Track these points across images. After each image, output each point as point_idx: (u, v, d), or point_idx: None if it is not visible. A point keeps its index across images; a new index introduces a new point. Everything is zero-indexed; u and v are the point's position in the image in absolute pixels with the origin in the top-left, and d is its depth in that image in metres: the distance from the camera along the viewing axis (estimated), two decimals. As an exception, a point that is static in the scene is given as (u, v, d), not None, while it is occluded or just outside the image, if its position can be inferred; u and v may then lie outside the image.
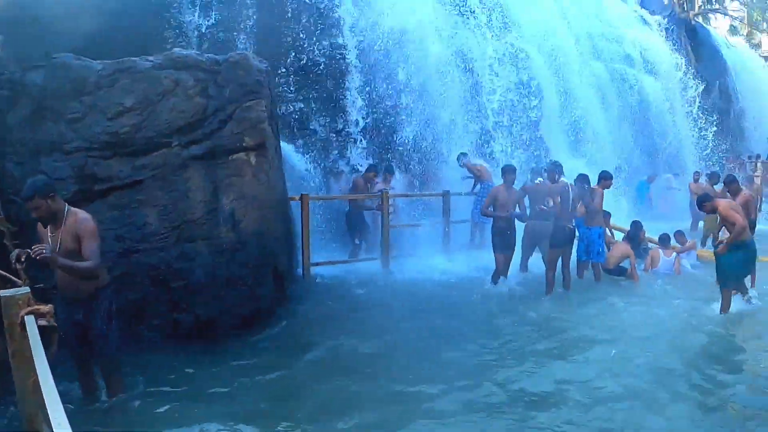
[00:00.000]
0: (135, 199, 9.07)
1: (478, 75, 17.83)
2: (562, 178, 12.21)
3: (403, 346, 8.76)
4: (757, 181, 25.58)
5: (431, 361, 8.07)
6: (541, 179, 12.99)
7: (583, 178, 12.59)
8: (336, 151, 15.43)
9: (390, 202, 14.14)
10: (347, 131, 15.52)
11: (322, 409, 6.73)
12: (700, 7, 35.36)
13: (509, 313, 10.63)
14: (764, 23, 51.83)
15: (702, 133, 27.35)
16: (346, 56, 15.59)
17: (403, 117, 15.89)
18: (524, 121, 18.51)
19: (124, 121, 9.11)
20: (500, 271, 12.15)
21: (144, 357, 7.93)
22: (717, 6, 36.92)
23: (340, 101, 15.47)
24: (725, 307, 10.45)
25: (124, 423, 6.37)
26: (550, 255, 12.04)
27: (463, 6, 18.56)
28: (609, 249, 13.63)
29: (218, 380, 7.57)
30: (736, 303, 10.60)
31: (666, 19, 30.70)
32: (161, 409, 6.68)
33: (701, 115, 27.56)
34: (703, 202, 10.90)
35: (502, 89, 18.19)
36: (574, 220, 12.21)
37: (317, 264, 12.82)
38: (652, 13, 30.90)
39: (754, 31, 51.39)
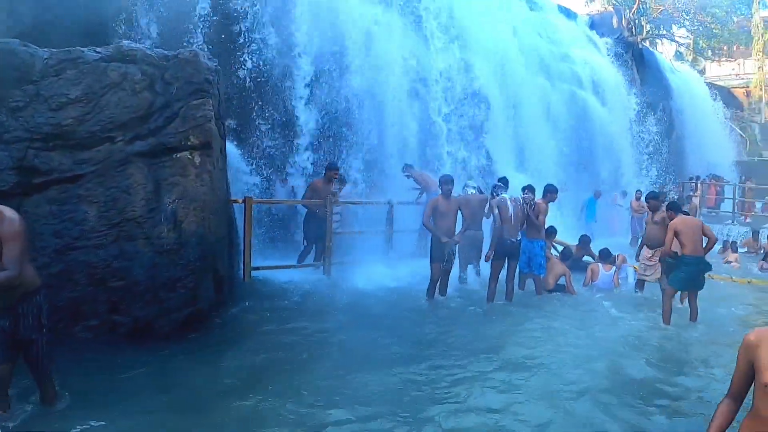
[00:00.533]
0: (75, 194, 8.77)
1: (425, 84, 17.82)
2: (503, 194, 12.39)
3: (322, 362, 8.37)
4: (695, 201, 26.14)
5: (347, 382, 7.57)
6: (473, 190, 13.49)
7: (530, 189, 12.76)
8: (282, 156, 15.26)
9: (337, 210, 14.01)
10: (294, 136, 15.38)
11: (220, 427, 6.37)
12: (648, 32, 35.87)
13: (442, 330, 10.30)
14: (709, 51, 52.66)
15: (644, 154, 27.82)
16: (296, 60, 15.43)
17: (351, 125, 15.79)
18: (470, 134, 18.64)
19: (68, 113, 8.82)
20: (437, 283, 12.06)
21: (78, 360, 7.58)
22: (665, 32, 37.39)
23: (288, 106, 15.31)
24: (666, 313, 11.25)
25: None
26: (494, 266, 12.10)
27: (413, 14, 18.55)
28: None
29: (139, 386, 7.23)
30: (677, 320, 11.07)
31: (614, 42, 31.29)
32: (84, 417, 6.27)
33: (644, 135, 28.09)
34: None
35: (449, 100, 18.23)
36: (519, 233, 12.27)
37: (258, 268, 12.62)
38: (601, 35, 31.52)
39: (699, 58, 52.21)
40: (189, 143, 9.39)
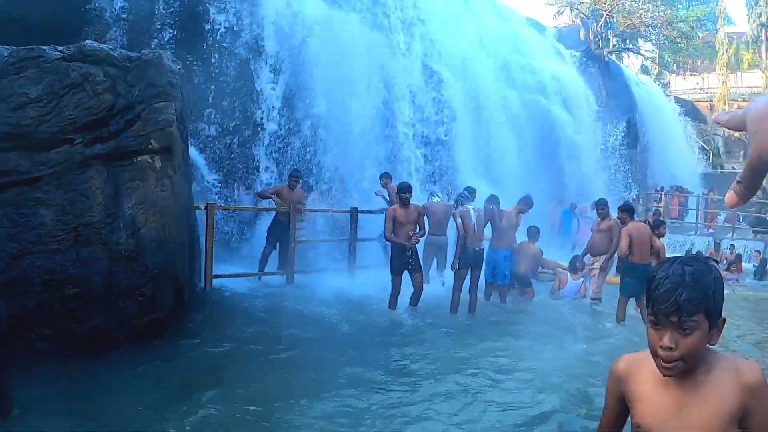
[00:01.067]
0: (32, 197, 8.47)
1: (391, 92, 17.67)
2: (467, 204, 12.15)
3: (272, 382, 7.95)
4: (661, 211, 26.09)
5: (293, 408, 7.12)
6: (438, 198, 13.78)
7: (492, 199, 12.63)
8: (246, 162, 15.03)
9: (301, 217, 13.84)
10: (257, 143, 15.20)
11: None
12: (614, 45, 36.03)
13: (401, 343, 10.04)
14: (674, 65, 53.21)
15: (610, 164, 27.91)
16: (261, 64, 15.22)
17: (316, 132, 15.62)
18: (435, 142, 18.57)
19: (27, 113, 8.53)
20: (398, 295, 11.77)
21: (31, 370, 7.20)
22: (631, 45, 37.62)
23: (253, 111, 15.11)
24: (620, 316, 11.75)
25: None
26: (457, 276, 11.88)
27: (383, 22, 18.43)
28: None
29: (91, 397, 6.97)
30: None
31: (581, 54, 31.43)
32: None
33: (609, 146, 28.14)
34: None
35: (415, 108, 18.15)
36: (482, 243, 12.12)
37: (219, 276, 12.31)
38: (568, 47, 31.54)
39: (664, 71, 52.64)
40: (150, 147, 9.17)
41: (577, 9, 38.42)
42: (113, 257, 8.69)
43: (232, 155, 14.76)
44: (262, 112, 15.13)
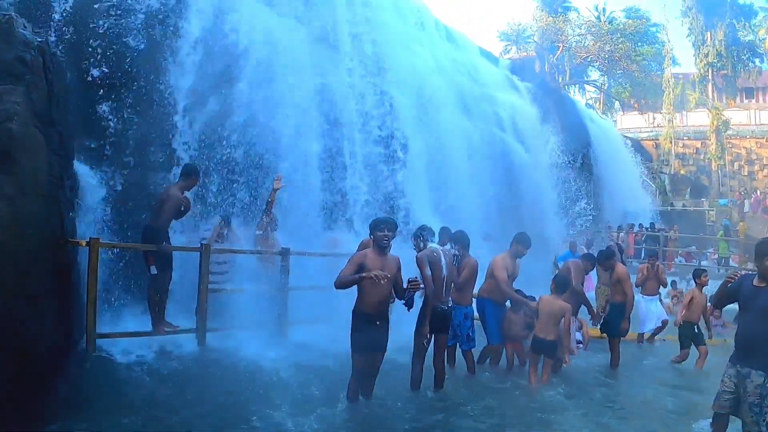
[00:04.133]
0: None
1: (340, 117, 14.80)
2: (431, 244, 8.84)
3: None
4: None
5: None
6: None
7: (458, 240, 9.56)
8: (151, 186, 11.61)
9: (221, 260, 10.64)
10: (169, 164, 11.83)
11: None
12: (569, 78, 34.13)
13: None
14: (617, 102, 52.61)
15: (566, 201, 25.41)
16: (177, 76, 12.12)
17: (246, 155, 12.45)
18: (386, 173, 15.63)
19: None
20: (361, 381, 7.75)
21: None
22: (586, 78, 36.03)
23: (166, 129, 11.87)
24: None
25: None
26: (418, 342, 8.37)
27: (332, 42, 15.80)
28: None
29: None
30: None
31: (536, 87, 29.36)
32: None
33: (565, 182, 25.72)
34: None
35: (365, 134, 15.30)
36: (450, 298, 8.74)
37: (107, 335, 8.90)
38: (522, 80, 29.29)
39: (612, 109, 52.32)
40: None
41: (524, 46, 37.15)
42: None
43: (135, 177, 11.42)
44: (174, 127, 11.94)
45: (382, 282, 7.16)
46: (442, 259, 8.42)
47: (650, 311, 13.87)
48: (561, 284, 9.61)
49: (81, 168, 9.99)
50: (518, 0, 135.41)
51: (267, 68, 13.12)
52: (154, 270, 9.72)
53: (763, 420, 6.11)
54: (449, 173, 17.96)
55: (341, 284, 7.29)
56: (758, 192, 44.34)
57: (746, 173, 49.48)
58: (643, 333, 13.89)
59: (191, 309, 10.02)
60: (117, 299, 10.18)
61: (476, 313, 10.01)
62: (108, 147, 11.20)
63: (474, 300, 9.95)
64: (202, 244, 10.08)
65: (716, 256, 29.54)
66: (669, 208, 38.16)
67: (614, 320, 11.04)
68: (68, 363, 7.85)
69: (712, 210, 39.14)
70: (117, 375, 8.28)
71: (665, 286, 14.61)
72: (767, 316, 6.19)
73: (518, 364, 10.19)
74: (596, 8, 44.84)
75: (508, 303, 10.14)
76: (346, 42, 15.95)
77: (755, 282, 6.45)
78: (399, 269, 7.68)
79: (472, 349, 9.75)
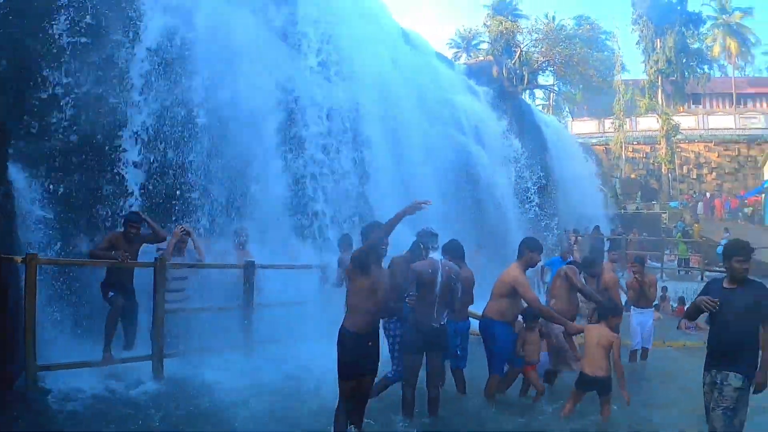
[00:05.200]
0: None
1: (301, 120, 13.82)
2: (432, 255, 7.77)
3: None
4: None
5: None
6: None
7: (450, 251, 8.44)
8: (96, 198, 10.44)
9: (178, 275, 9.37)
10: (115, 171, 10.65)
11: None
12: (527, 83, 33.73)
13: None
14: (567, 108, 52.96)
15: (525, 205, 25.36)
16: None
17: (199, 159, 11.36)
18: (349, 178, 14.76)
19: None
20: (350, 411, 6.52)
21: None
22: (544, 82, 35.82)
23: (110, 132, 10.70)
24: None
25: None
26: (405, 363, 7.45)
27: (296, 44, 14.92)
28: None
29: None
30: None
31: (493, 91, 28.92)
32: None
33: (524, 187, 25.72)
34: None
35: (328, 137, 14.36)
36: (444, 314, 7.57)
37: (49, 367, 7.63)
38: (479, 84, 28.73)
39: (563, 114, 52.71)
40: None
41: (474, 53, 36.78)
42: None
43: (78, 186, 10.13)
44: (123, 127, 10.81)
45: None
46: (439, 275, 7.35)
47: (643, 324, 12.20)
48: (606, 310, 8.31)
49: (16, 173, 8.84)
50: (466, 9, 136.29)
51: (226, 64, 12.25)
52: (111, 293, 8.67)
53: (733, 427, 5.88)
54: (412, 177, 17.14)
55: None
56: (708, 194, 44.97)
57: (695, 176, 50.33)
58: (637, 350, 12.12)
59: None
60: (63, 323, 8.88)
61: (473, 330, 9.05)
62: (47, 149, 10.07)
63: (470, 318, 9.02)
64: (156, 258, 8.86)
65: (674, 257, 29.76)
66: (622, 211, 38.09)
67: None
68: (3, 400, 6.75)
69: (665, 212, 39.39)
70: (59, 413, 7.09)
71: (653, 299, 13.07)
72: (746, 317, 5.95)
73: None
74: (546, 16, 44.95)
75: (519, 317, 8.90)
76: (308, 40, 15.06)
77: (726, 284, 6.22)
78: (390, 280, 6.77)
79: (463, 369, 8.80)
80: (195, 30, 12.14)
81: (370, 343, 6.37)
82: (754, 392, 5.91)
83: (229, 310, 9.85)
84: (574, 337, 9.35)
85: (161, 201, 10.89)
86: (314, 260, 11.52)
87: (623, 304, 11.36)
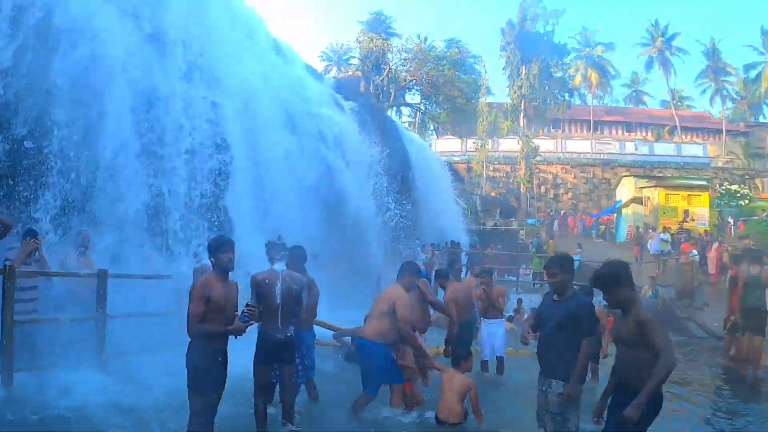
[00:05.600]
0: None
1: (160, 126, 13.71)
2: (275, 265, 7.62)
3: None
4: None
5: None
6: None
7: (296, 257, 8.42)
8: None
9: (30, 285, 8.94)
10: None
11: None
12: (393, 99, 34.27)
13: None
14: (432, 125, 54.18)
15: (386, 219, 25.85)
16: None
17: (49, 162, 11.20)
18: (207, 186, 14.66)
19: None
20: (199, 426, 6.44)
21: None
22: (411, 100, 36.43)
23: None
24: None
25: None
26: (254, 376, 7.42)
27: (161, 48, 14.76)
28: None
29: None
30: None
31: (360, 107, 29.10)
32: None
33: (385, 201, 26.19)
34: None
35: (189, 146, 14.28)
36: (290, 326, 7.51)
37: None
38: (347, 98, 28.92)
39: (428, 131, 53.73)
40: None
41: (345, 67, 37.19)
42: None
43: None
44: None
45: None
46: (278, 285, 7.36)
47: (493, 335, 12.41)
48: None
49: None
50: (343, 23, 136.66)
51: (89, 62, 12.05)
52: None
53: (566, 429, 6.17)
54: (274, 190, 17.22)
55: (200, 334, 6.25)
56: (563, 213, 47.16)
57: (552, 196, 53.00)
58: (487, 360, 12.38)
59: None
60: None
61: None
62: None
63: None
64: (5, 266, 8.44)
65: (530, 271, 31.40)
66: (481, 227, 39.07)
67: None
68: None
69: (522, 229, 40.87)
70: None
71: (502, 309, 13.31)
72: (561, 328, 6.24)
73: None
74: (418, 36, 45.93)
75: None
76: (174, 45, 14.97)
77: (555, 296, 6.50)
78: (237, 294, 6.75)
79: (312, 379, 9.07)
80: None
81: (220, 359, 6.45)
82: (564, 402, 6.11)
83: (82, 321, 9.51)
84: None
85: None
86: (168, 269, 11.52)
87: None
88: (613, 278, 5.55)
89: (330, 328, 13.03)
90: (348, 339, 12.35)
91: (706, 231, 35.49)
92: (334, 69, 48.66)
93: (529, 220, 44.92)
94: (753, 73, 73.21)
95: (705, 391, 12.14)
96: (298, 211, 17.69)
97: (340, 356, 12.49)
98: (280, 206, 16.95)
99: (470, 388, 7.99)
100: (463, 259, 28.04)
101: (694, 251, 27.74)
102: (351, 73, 35.75)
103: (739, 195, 48.10)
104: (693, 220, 37.30)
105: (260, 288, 7.29)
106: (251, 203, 15.98)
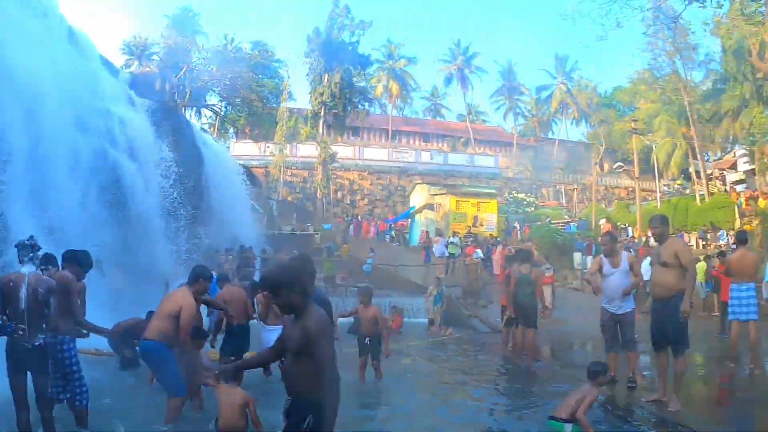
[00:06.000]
0: None
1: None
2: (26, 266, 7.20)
3: None
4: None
5: None
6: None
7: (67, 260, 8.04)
8: None
9: None
10: None
11: None
12: (189, 99, 33.49)
13: None
14: (233, 129, 53.81)
15: (175, 221, 24.74)
16: None
17: None
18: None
19: None
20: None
21: None
22: (208, 101, 35.77)
23: None
24: None
25: None
26: (9, 384, 7.02)
27: None
28: None
29: None
30: None
31: (154, 105, 28.13)
32: None
33: (176, 203, 25.08)
34: None
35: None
36: (39, 333, 7.09)
37: None
38: (141, 95, 27.88)
39: (226, 135, 53.17)
40: None
41: (147, 63, 36.05)
42: None
43: None
44: None
45: None
46: (23, 289, 6.93)
47: (269, 342, 12.26)
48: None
49: None
50: (150, 14, 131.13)
51: None
52: None
53: None
54: (56, 190, 16.35)
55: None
56: (359, 218, 48.19)
57: (349, 201, 54.21)
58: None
59: None
60: None
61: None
62: None
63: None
64: None
65: (323, 275, 30.91)
66: (277, 232, 38.98)
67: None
68: None
69: (318, 234, 41.18)
70: None
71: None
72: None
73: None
74: (225, 37, 45.31)
75: None
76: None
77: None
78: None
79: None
80: None
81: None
82: None
83: None
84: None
85: None
86: None
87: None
88: (279, 282, 4.93)
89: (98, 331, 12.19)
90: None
91: (491, 235, 37.91)
92: (136, 63, 46.81)
93: (325, 225, 45.38)
94: (545, 94, 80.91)
95: (486, 380, 12.92)
96: (81, 211, 16.87)
97: (113, 366, 12.00)
98: (63, 208, 16.11)
99: (248, 401, 7.62)
100: (258, 263, 28.13)
101: (479, 251, 30.41)
102: (149, 69, 34.55)
103: (525, 203, 52.15)
104: (482, 225, 39.86)
105: (4, 290, 6.90)
106: (31, 204, 15.01)
